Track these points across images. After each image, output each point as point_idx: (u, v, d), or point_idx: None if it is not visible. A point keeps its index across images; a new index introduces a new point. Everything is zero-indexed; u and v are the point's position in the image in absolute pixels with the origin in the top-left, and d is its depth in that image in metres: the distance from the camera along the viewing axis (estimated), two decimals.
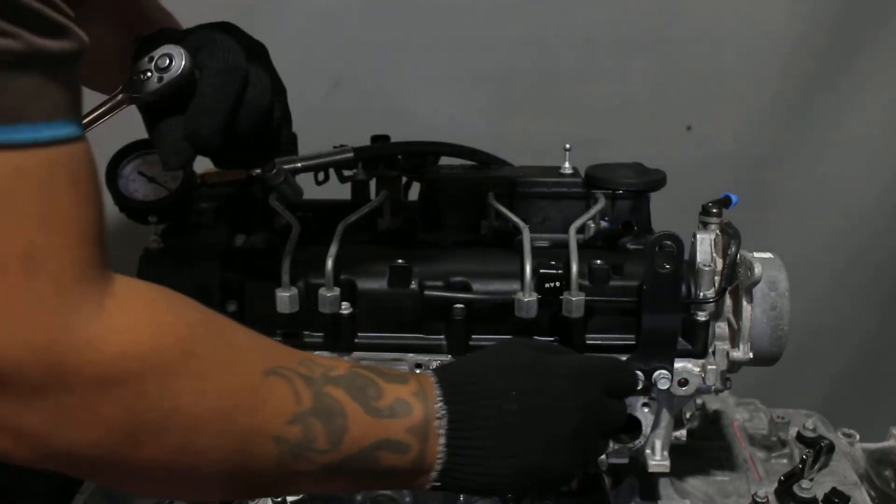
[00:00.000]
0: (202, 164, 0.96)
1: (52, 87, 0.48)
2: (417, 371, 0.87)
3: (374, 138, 1.03)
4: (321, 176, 0.98)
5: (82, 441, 0.51)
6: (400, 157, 1.00)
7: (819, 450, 0.89)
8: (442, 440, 0.64)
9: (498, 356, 0.71)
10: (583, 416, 0.68)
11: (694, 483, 0.99)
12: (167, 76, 0.65)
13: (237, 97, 0.68)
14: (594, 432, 0.70)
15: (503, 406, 0.66)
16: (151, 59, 0.65)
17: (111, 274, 0.54)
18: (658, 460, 0.90)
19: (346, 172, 0.99)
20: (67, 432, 0.50)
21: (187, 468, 0.55)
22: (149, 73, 0.66)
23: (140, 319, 0.53)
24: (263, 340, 0.62)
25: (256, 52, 0.73)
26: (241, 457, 0.57)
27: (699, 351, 0.85)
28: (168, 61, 0.65)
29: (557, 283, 0.84)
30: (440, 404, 0.65)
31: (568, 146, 0.96)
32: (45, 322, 0.48)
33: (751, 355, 0.86)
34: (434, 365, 0.87)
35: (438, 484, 0.65)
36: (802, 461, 0.90)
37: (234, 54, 0.68)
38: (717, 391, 0.88)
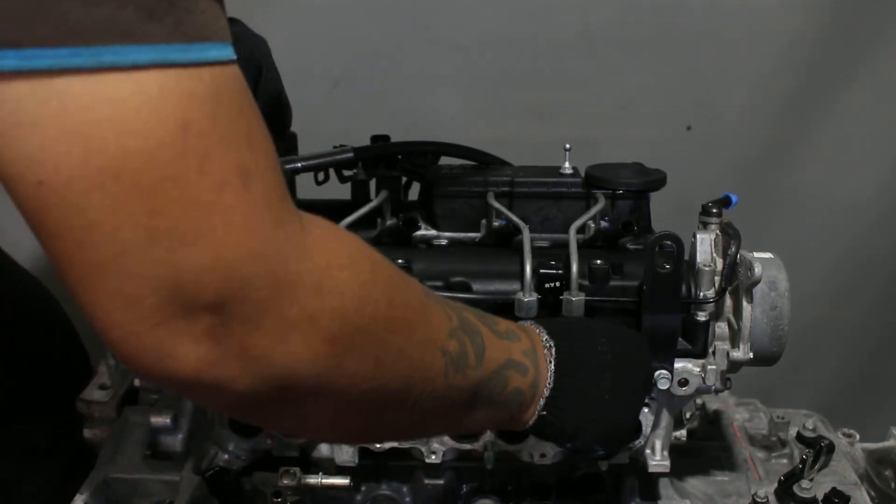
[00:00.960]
0: None
1: (219, 8, 0.48)
2: None
3: (374, 138, 1.03)
4: (321, 176, 0.98)
5: (304, 356, 0.51)
6: (400, 157, 1.00)
7: (819, 450, 0.89)
8: (551, 366, 0.70)
9: (591, 321, 0.81)
10: (647, 376, 0.79)
11: (694, 483, 0.99)
12: None
13: (254, 83, 0.71)
14: (646, 394, 0.80)
15: (603, 358, 0.73)
16: None
17: (301, 213, 0.54)
18: (658, 460, 0.90)
19: (346, 172, 0.99)
20: (291, 347, 0.50)
21: (377, 385, 0.56)
22: None
23: (336, 235, 0.55)
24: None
25: (261, 45, 0.80)
26: (418, 370, 0.59)
27: (699, 351, 0.85)
28: None
29: (557, 283, 0.84)
30: (546, 337, 0.71)
31: (568, 146, 0.96)
32: (268, 234, 0.48)
33: (751, 355, 0.86)
34: None
35: (543, 414, 0.70)
36: (802, 461, 0.90)
37: (247, 44, 0.71)
38: (717, 391, 0.88)
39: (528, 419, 0.71)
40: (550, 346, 0.71)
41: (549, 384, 0.70)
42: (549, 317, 0.85)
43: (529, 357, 0.69)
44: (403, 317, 0.58)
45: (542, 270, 0.84)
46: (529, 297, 0.81)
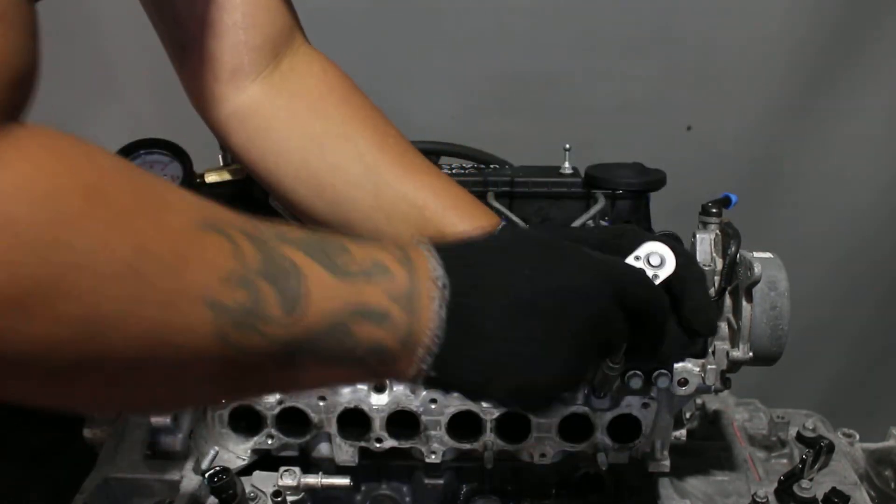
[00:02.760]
0: (202, 164, 0.96)
1: None
2: None
3: None
4: None
5: None
6: None
7: (819, 450, 0.89)
8: (442, 312, 0.54)
9: (511, 232, 0.66)
10: (590, 318, 0.59)
11: (694, 483, 0.99)
12: (661, 273, 0.67)
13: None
14: (594, 342, 0.61)
15: (523, 296, 0.57)
16: (638, 258, 0.67)
17: (20, 123, 0.44)
18: (658, 460, 0.91)
19: None
20: None
21: (96, 349, 0.44)
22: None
23: (40, 165, 0.43)
24: (201, 199, 0.51)
25: None
26: (165, 329, 0.46)
27: (699, 351, 0.85)
28: (660, 260, 0.67)
29: None
30: (439, 273, 0.55)
31: (568, 146, 0.97)
32: None
33: (751, 355, 0.85)
34: None
35: (432, 374, 0.55)
36: (802, 461, 0.90)
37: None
38: (717, 391, 0.88)
39: (407, 374, 0.56)
40: (444, 284, 0.55)
41: (438, 337, 0.54)
42: None
43: (400, 302, 0.53)
44: (132, 264, 0.44)
45: None
46: None
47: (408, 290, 0.54)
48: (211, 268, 0.47)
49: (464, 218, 0.78)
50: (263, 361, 0.50)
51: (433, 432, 0.90)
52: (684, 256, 0.68)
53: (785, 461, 1.02)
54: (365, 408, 0.89)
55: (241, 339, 0.48)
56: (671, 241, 0.70)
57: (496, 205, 0.92)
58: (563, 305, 0.58)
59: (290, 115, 0.78)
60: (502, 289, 0.56)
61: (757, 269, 0.83)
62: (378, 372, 0.56)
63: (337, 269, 0.52)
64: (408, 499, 0.97)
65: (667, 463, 0.91)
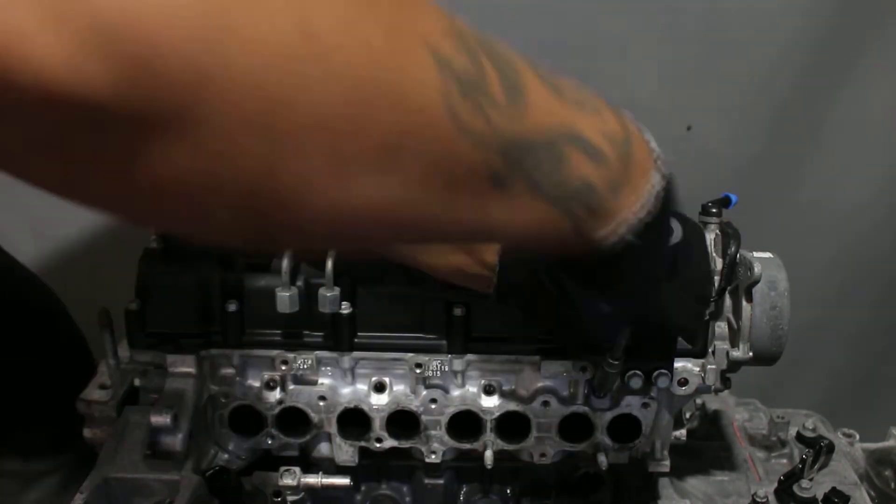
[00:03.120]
0: None
1: None
2: (418, 369, 0.87)
3: None
4: None
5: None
6: None
7: (819, 450, 0.89)
8: (655, 182, 0.50)
9: None
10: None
11: (694, 483, 0.99)
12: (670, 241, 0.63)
13: None
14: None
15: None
16: None
17: None
18: (658, 460, 0.91)
19: None
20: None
21: (316, 99, 0.36)
22: None
23: None
24: None
25: None
26: (389, 74, 0.38)
27: (699, 350, 0.85)
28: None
29: None
30: (654, 145, 0.52)
31: None
32: None
33: (750, 355, 0.86)
34: (435, 364, 0.87)
35: (631, 239, 0.50)
36: (802, 461, 0.90)
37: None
38: (716, 391, 0.88)
39: (599, 240, 0.50)
40: (658, 156, 0.51)
41: (647, 205, 0.50)
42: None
43: (615, 146, 0.49)
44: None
45: None
46: None
47: (625, 140, 0.50)
48: (430, 16, 0.41)
49: None
50: (484, 161, 0.43)
51: (433, 432, 0.90)
52: (691, 225, 0.66)
53: (785, 461, 1.02)
54: (365, 408, 0.89)
55: (467, 115, 0.41)
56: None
57: None
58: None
59: None
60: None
61: (757, 269, 0.83)
62: (578, 226, 0.49)
63: (553, 86, 0.46)
64: (408, 499, 0.97)
65: (667, 463, 0.91)
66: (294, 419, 0.90)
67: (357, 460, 0.92)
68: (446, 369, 0.88)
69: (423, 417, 0.89)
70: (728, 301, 0.88)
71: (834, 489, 0.90)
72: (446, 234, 0.48)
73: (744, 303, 0.85)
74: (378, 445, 0.90)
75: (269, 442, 0.91)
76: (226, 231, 0.41)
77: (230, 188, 0.37)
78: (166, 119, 0.33)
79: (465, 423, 0.89)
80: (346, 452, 0.91)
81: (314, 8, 0.36)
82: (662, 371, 0.84)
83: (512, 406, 0.88)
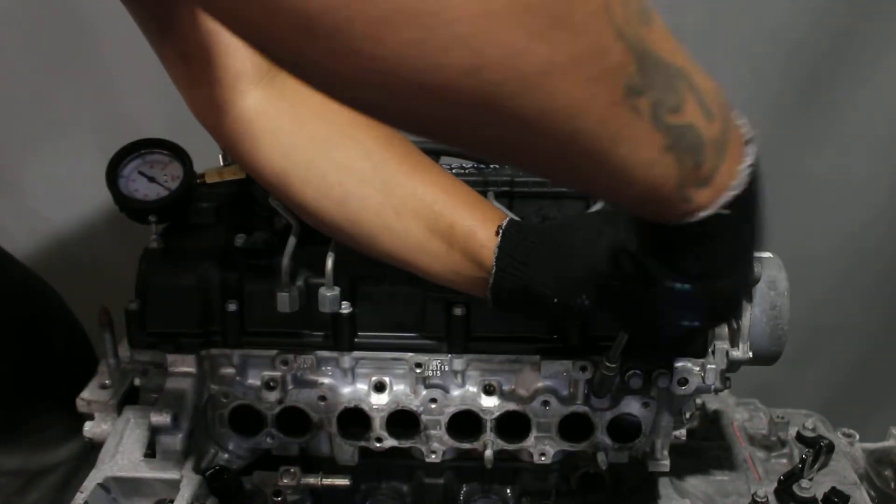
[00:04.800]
0: (202, 164, 0.96)
1: None
2: (418, 369, 0.87)
3: None
4: None
5: None
6: None
7: (819, 450, 0.89)
8: (748, 161, 0.53)
9: None
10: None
11: (694, 483, 0.99)
12: None
13: None
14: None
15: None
16: None
17: None
18: (658, 460, 0.91)
19: None
20: None
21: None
22: None
23: None
24: None
25: None
26: None
27: (699, 350, 0.85)
28: None
29: None
30: (753, 149, 0.54)
31: None
32: None
33: (750, 354, 0.86)
34: (435, 364, 0.87)
35: (726, 213, 0.52)
36: (802, 461, 0.90)
37: None
38: (716, 391, 0.88)
39: (697, 207, 0.51)
40: (752, 138, 0.54)
41: (742, 182, 0.51)
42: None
43: (721, 109, 0.51)
44: None
45: None
46: None
47: (726, 105, 0.52)
48: None
49: (473, 213, 0.78)
50: (618, 70, 0.43)
51: (433, 432, 0.90)
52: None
53: (785, 461, 1.02)
54: (365, 407, 0.89)
55: (617, 7, 0.42)
56: None
57: (496, 204, 0.92)
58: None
59: (294, 117, 0.78)
60: None
61: (757, 269, 0.83)
62: (683, 181, 0.50)
63: (674, 36, 0.48)
64: (408, 499, 0.97)
65: (667, 463, 0.91)
66: (294, 419, 0.90)
67: (357, 460, 0.92)
68: (446, 369, 0.88)
69: (423, 417, 0.89)
70: None
71: (834, 489, 0.90)
72: (578, 147, 0.46)
73: (744, 303, 0.85)
74: (378, 445, 0.90)
75: (269, 442, 0.91)
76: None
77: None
78: None
79: (465, 423, 0.89)
80: (346, 452, 0.91)
81: None
82: (662, 371, 0.84)
83: (512, 406, 0.88)
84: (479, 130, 0.45)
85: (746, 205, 0.54)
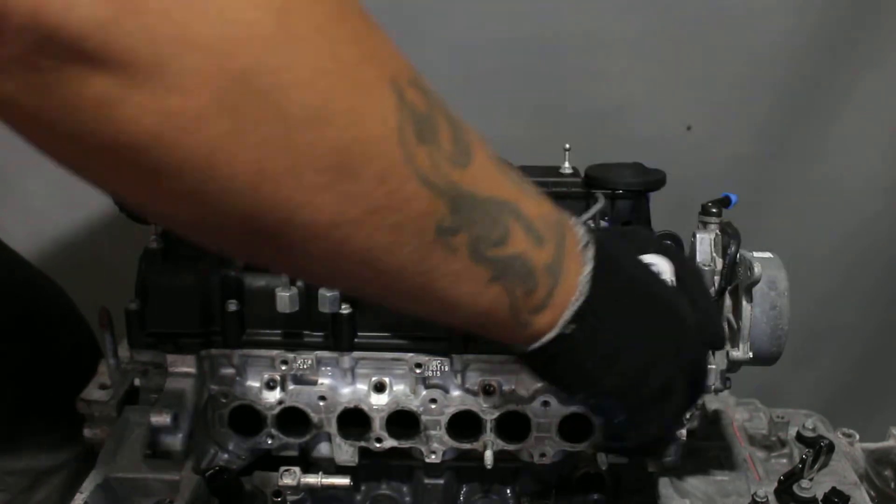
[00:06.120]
0: None
1: None
2: (418, 369, 0.87)
3: None
4: None
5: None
6: None
7: (819, 450, 0.89)
8: (587, 270, 0.52)
9: (640, 264, 0.62)
10: (690, 363, 0.61)
11: (694, 483, 0.98)
12: None
13: None
14: (687, 385, 0.61)
15: (638, 311, 0.56)
16: None
17: None
18: (658, 460, 0.91)
19: None
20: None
21: (282, 167, 0.39)
22: None
23: None
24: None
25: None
26: (351, 110, 0.40)
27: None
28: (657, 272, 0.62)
29: None
30: (583, 232, 0.53)
31: (568, 146, 0.96)
32: None
33: (750, 355, 0.86)
34: (435, 364, 0.87)
35: (568, 333, 0.51)
36: (802, 461, 0.90)
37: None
38: (717, 391, 0.88)
39: (539, 331, 0.52)
40: (588, 242, 0.53)
41: (583, 292, 0.51)
42: None
43: (552, 231, 0.51)
44: (331, 53, 0.40)
45: None
46: None
47: (558, 224, 0.51)
48: (403, 62, 0.44)
49: None
50: (427, 214, 0.44)
51: (433, 432, 0.90)
52: (682, 266, 0.65)
53: (785, 461, 1.02)
54: (365, 408, 0.89)
55: (420, 156, 0.43)
56: (671, 247, 0.67)
57: None
58: (673, 350, 0.58)
59: None
60: (631, 305, 0.56)
61: (757, 269, 0.83)
62: (516, 310, 0.50)
63: (498, 162, 0.48)
64: (408, 499, 0.97)
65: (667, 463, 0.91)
66: (294, 419, 0.90)
67: (357, 460, 0.92)
68: (446, 369, 0.88)
69: (423, 417, 0.89)
70: (728, 301, 0.88)
71: (834, 489, 0.90)
72: (389, 282, 0.47)
73: (744, 303, 0.85)
74: (378, 445, 0.90)
75: (269, 442, 0.91)
76: (173, 208, 0.42)
77: (185, 157, 0.38)
78: (138, 67, 0.35)
79: (465, 423, 0.89)
80: (346, 452, 0.91)
81: (299, 6, 0.38)
82: None
83: (512, 406, 0.88)
84: (279, 260, 0.46)
85: (598, 308, 0.52)
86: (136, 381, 0.94)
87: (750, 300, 0.85)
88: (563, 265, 0.51)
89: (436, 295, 0.48)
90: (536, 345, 0.53)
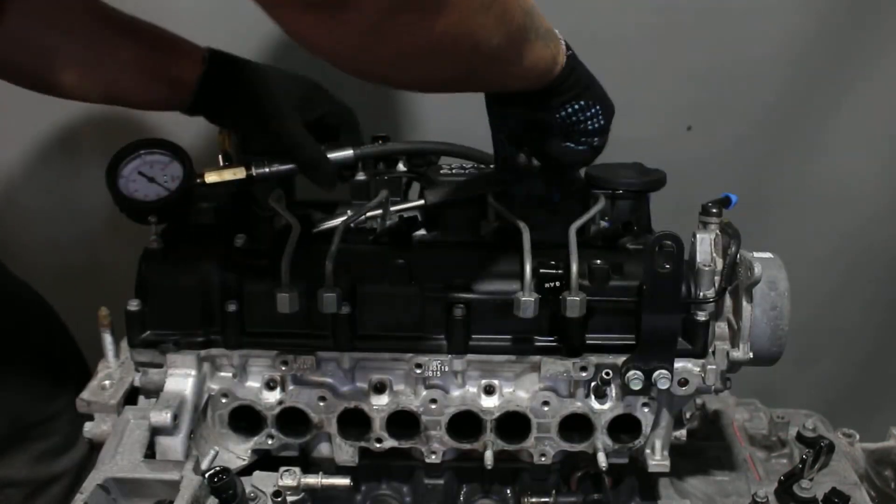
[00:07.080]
0: (202, 164, 0.96)
1: None
2: (418, 369, 0.87)
3: (374, 138, 1.03)
4: None
5: None
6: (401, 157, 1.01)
7: (819, 450, 0.89)
8: (568, 51, 0.84)
9: None
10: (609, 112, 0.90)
11: (694, 483, 0.99)
12: None
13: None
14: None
15: (590, 75, 0.89)
16: None
17: None
18: (658, 460, 0.91)
19: (347, 172, 0.99)
20: None
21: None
22: None
23: None
24: None
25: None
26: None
27: (699, 351, 0.85)
28: None
29: (557, 283, 0.84)
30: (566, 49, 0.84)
31: None
32: None
33: (751, 355, 0.86)
34: (435, 364, 0.87)
35: (570, 54, 0.83)
36: (802, 461, 0.90)
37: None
38: (717, 391, 0.88)
39: (556, 68, 0.81)
40: (565, 43, 0.84)
41: (567, 54, 0.83)
42: (549, 318, 0.85)
43: (552, 32, 0.82)
44: None
45: (542, 270, 0.84)
46: (529, 297, 0.81)
47: (550, 29, 0.81)
48: None
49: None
50: (523, 23, 0.72)
51: (433, 432, 0.90)
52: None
53: (785, 461, 1.02)
54: (365, 408, 0.89)
55: (525, 3, 0.72)
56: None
57: (496, 205, 0.92)
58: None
59: None
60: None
61: (757, 269, 0.83)
62: (554, 57, 0.81)
63: (541, 17, 0.78)
64: (408, 499, 0.97)
65: (667, 463, 0.91)
66: (294, 419, 0.90)
67: (357, 460, 0.92)
68: (446, 369, 0.88)
69: (423, 417, 0.89)
70: (728, 301, 0.88)
71: (834, 489, 0.90)
72: (498, 61, 0.74)
73: (744, 303, 0.85)
74: (378, 446, 0.90)
75: (269, 442, 0.91)
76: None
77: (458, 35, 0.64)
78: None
79: (465, 424, 0.89)
80: (346, 452, 0.91)
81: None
82: (662, 371, 0.84)
83: (512, 406, 0.88)
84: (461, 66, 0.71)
85: (575, 62, 0.84)
86: (136, 381, 0.94)
87: (750, 300, 0.85)
88: (559, 46, 0.82)
89: (523, 53, 0.76)
90: (557, 68, 0.82)
